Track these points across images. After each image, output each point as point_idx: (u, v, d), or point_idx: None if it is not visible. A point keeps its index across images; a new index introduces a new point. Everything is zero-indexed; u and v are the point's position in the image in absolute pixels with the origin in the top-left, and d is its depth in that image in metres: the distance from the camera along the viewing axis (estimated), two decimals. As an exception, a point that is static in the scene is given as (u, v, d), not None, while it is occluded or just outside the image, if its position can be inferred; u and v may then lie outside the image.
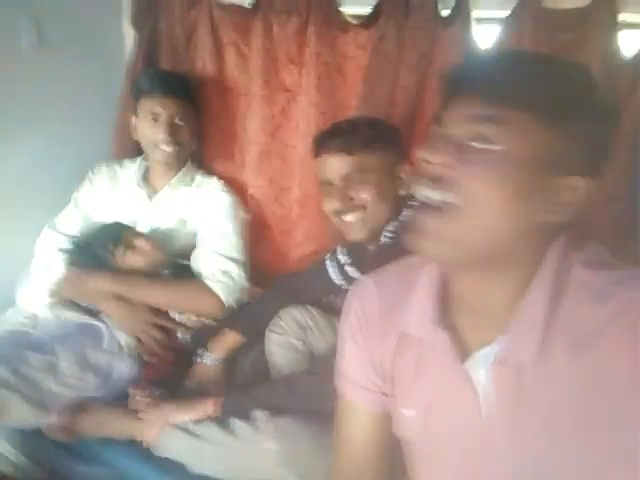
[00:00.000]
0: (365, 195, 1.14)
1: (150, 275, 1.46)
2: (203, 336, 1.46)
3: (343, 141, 1.15)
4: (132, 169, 1.60)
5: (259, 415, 1.07)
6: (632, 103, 1.15)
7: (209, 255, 1.47)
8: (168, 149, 1.47)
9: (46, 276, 1.44)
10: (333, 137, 1.17)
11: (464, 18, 1.25)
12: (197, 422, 1.15)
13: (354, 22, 1.40)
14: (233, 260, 1.47)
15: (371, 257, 1.22)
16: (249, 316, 1.46)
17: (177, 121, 1.47)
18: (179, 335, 1.49)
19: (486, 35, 1.28)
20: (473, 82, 0.59)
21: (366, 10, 1.37)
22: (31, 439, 1.29)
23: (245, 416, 1.09)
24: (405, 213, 1.13)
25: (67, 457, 1.26)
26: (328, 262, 1.40)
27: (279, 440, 1.02)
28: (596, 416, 0.57)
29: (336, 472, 0.82)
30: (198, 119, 1.58)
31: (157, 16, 1.68)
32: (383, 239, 1.13)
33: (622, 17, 1.12)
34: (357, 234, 1.18)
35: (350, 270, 1.35)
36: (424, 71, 1.32)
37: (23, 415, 1.18)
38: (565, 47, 1.18)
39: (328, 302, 1.50)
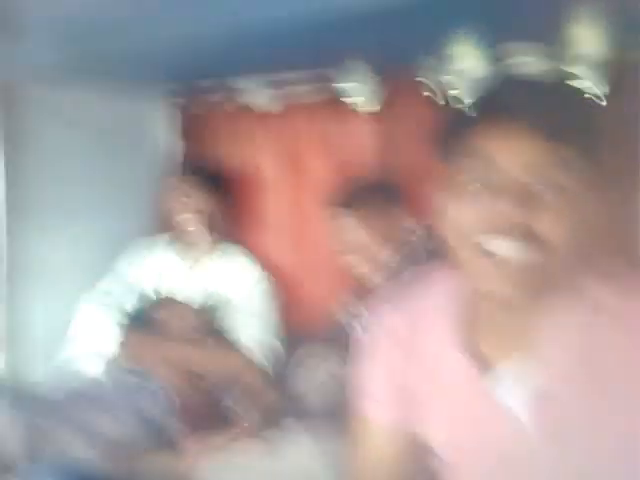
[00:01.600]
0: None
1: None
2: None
3: (352, 203, 1.39)
4: (172, 243, 1.80)
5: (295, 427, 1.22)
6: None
7: (254, 326, 1.63)
8: (194, 229, 1.71)
9: (101, 344, 1.63)
10: (343, 201, 1.41)
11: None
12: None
13: (364, 115, 1.69)
14: (270, 333, 1.64)
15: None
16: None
17: (202, 207, 1.72)
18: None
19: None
20: (524, 114, 0.56)
21: (375, 106, 1.66)
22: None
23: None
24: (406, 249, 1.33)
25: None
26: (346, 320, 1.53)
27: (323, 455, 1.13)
28: (621, 435, 0.58)
29: None
30: (223, 204, 1.80)
31: (202, 129, 2.05)
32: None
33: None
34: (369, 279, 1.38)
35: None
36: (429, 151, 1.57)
37: (81, 455, 1.30)
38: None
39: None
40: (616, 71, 1.31)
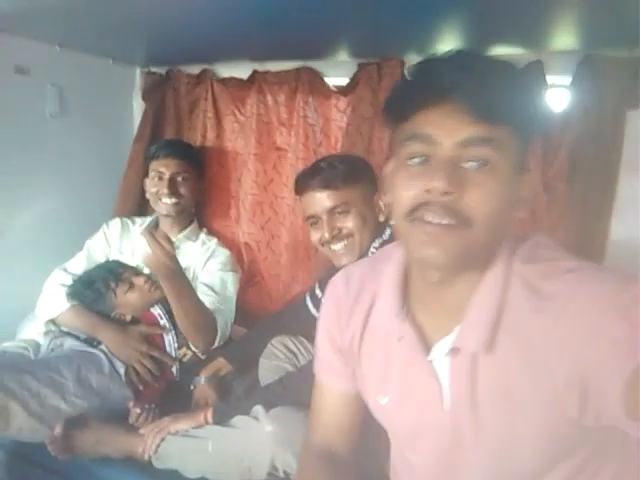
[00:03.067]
0: (350, 224, 1.24)
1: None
2: (194, 367, 1.55)
3: (324, 178, 1.25)
4: (143, 224, 1.77)
5: (256, 408, 1.15)
6: (562, 148, 1.40)
7: (208, 295, 1.59)
8: (169, 201, 1.67)
9: (47, 308, 1.55)
10: (315, 175, 1.27)
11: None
12: (196, 428, 1.21)
13: (335, 90, 1.68)
14: (225, 305, 1.60)
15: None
16: (237, 347, 1.58)
17: (178, 179, 1.68)
18: (174, 370, 1.56)
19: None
20: (462, 92, 0.59)
21: (345, 80, 1.65)
22: (21, 466, 1.31)
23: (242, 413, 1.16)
24: (388, 232, 1.26)
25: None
26: (308, 298, 1.55)
27: (275, 422, 1.10)
28: (543, 403, 0.61)
29: (307, 449, 0.88)
30: (199, 178, 1.78)
31: (165, 92, 1.96)
32: (369, 255, 1.25)
33: (551, 79, 1.40)
34: (347, 259, 1.25)
35: None
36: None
37: (24, 426, 1.23)
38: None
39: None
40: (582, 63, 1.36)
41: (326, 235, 1.26)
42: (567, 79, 1.39)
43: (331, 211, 1.25)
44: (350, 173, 1.27)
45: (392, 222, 0.69)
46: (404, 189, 0.64)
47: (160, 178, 1.67)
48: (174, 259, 1.33)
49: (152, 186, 1.69)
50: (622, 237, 1.38)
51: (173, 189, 1.66)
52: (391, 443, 0.84)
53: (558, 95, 1.44)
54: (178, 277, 1.38)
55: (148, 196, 1.73)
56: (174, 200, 1.67)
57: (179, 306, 1.42)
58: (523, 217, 0.67)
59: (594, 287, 0.59)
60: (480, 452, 0.67)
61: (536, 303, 0.61)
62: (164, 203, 1.67)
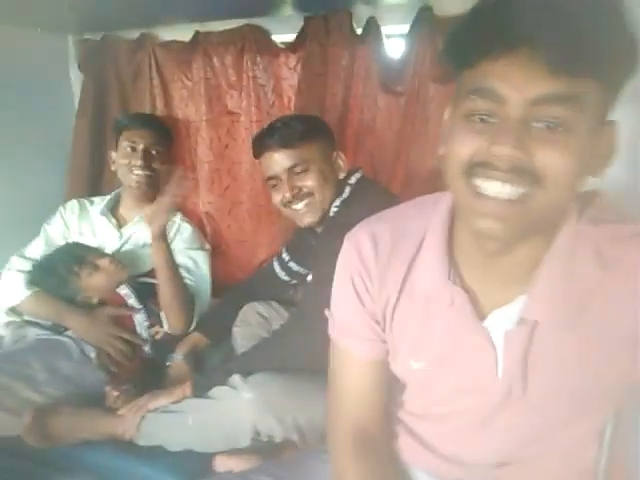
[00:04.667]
0: (310, 182, 1.24)
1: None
2: (168, 344, 1.54)
3: (281, 137, 1.24)
4: (101, 204, 1.71)
5: (234, 377, 1.15)
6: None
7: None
8: (141, 173, 1.61)
9: (7, 296, 1.49)
10: (271, 135, 1.26)
11: (376, 35, 1.49)
12: (175, 403, 1.21)
13: (283, 47, 1.62)
14: (198, 284, 1.58)
15: (322, 237, 1.35)
16: (210, 319, 1.57)
17: (152, 151, 1.63)
18: (145, 349, 1.55)
19: (396, 48, 1.53)
20: (538, 40, 0.50)
21: (292, 36, 1.59)
22: (4, 461, 1.29)
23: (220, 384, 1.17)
24: (347, 190, 1.25)
25: (44, 471, 1.27)
26: (275, 262, 1.56)
27: (254, 389, 1.11)
28: (597, 367, 0.61)
29: (336, 420, 0.79)
30: (169, 151, 1.72)
31: (104, 60, 1.85)
32: (331, 214, 1.25)
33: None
34: (309, 219, 1.26)
35: (293, 265, 1.53)
36: (347, 81, 1.54)
37: (0, 422, 1.20)
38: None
39: (288, 297, 1.62)
40: None
41: (287, 195, 1.25)
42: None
43: (290, 170, 1.24)
44: (306, 131, 1.26)
45: (446, 176, 0.61)
46: (463, 144, 0.56)
47: (133, 149, 1.61)
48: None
49: (122, 157, 1.62)
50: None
51: (146, 161, 1.61)
52: (406, 399, 0.80)
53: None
54: (168, 244, 1.45)
55: (115, 168, 1.66)
56: (147, 172, 1.62)
57: (166, 276, 1.47)
58: (598, 178, 0.58)
59: None
60: (523, 413, 0.67)
61: (601, 270, 0.59)
62: (136, 174, 1.61)
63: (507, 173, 0.53)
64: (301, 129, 1.26)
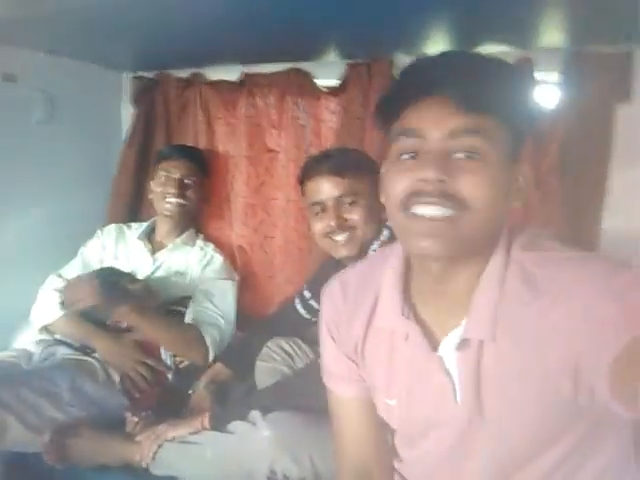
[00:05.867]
0: (356, 216, 1.21)
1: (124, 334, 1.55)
2: (191, 373, 1.54)
3: (335, 165, 1.21)
4: (139, 229, 1.77)
5: (253, 413, 1.14)
6: (553, 144, 1.41)
7: (206, 307, 1.60)
8: (174, 201, 1.67)
9: (42, 314, 1.54)
10: (325, 161, 1.24)
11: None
12: (193, 434, 1.20)
13: (326, 91, 1.67)
14: (224, 316, 1.60)
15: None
16: (233, 351, 1.58)
17: (186, 181, 1.70)
18: (169, 376, 1.56)
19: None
20: (447, 86, 0.62)
21: (334, 81, 1.64)
22: (19, 477, 1.30)
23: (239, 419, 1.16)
24: (386, 233, 1.23)
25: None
26: (296, 300, 1.56)
27: (273, 427, 1.09)
28: (539, 387, 0.62)
29: (339, 459, 0.85)
30: (203, 181, 1.78)
31: (154, 96, 1.95)
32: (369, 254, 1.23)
33: (540, 76, 1.41)
34: (348, 252, 1.22)
35: (313, 303, 1.51)
36: (386, 125, 1.58)
37: (19, 437, 1.21)
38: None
39: (311, 335, 1.61)
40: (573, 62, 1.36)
41: (332, 224, 1.21)
42: (556, 76, 1.40)
43: (338, 199, 1.22)
44: (360, 163, 1.26)
45: (389, 219, 0.70)
46: (396, 182, 0.65)
47: (168, 178, 1.68)
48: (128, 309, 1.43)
49: (158, 186, 1.70)
50: (614, 230, 1.39)
51: (180, 190, 1.68)
52: (395, 440, 0.83)
53: (548, 92, 1.44)
54: (144, 319, 1.48)
55: (151, 196, 1.73)
56: (180, 201, 1.68)
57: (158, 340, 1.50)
58: (518, 207, 0.68)
59: (587, 272, 0.60)
60: (486, 439, 0.68)
61: (531, 291, 0.62)
62: (169, 202, 1.68)
63: (435, 197, 0.61)
64: (355, 160, 1.26)
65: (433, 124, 0.62)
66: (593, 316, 0.56)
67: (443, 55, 0.65)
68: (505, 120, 0.62)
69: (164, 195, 1.68)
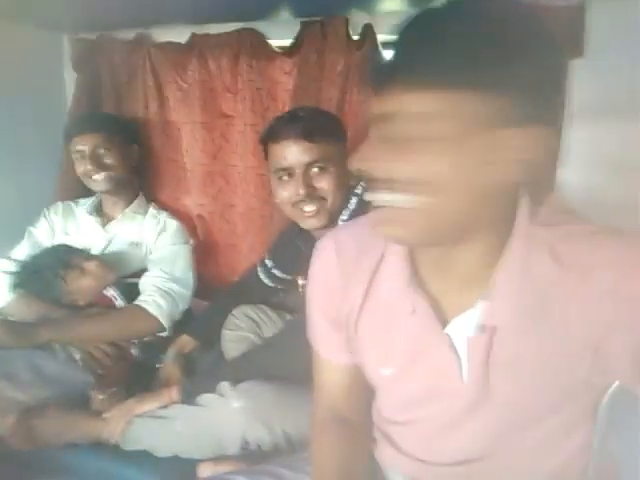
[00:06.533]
0: (326, 185, 1.14)
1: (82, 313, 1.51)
2: (156, 346, 1.53)
3: (305, 128, 1.11)
4: (87, 204, 1.70)
5: (223, 384, 1.14)
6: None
7: (154, 275, 1.56)
8: (99, 177, 1.59)
9: None
10: (294, 123, 1.13)
11: (372, 41, 1.49)
12: (162, 407, 1.19)
13: (279, 52, 1.62)
14: (175, 280, 1.56)
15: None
16: (199, 322, 1.57)
17: (100, 151, 1.59)
18: (133, 351, 1.53)
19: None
20: (404, 67, 0.55)
21: (289, 41, 1.59)
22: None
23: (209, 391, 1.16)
24: (354, 201, 1.18)
25: (27, 474, 1.24)
26: (259, 269, 1.54)
27: (243, 398, 1.09)
28: (557, 368, 0.61)
29: (316, 422, 0.84)
30: (126, 145, 1.67)
31: (98, 60, 1.84)
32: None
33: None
34: (316, 223, 1.16)
35: (276, 272, 1.51)
36: (342, 85, 1.54)
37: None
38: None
39: (278, 301, 1.61)
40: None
41: (300, 192, 1.13)
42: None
43: (308, 166, 1.13)
44: (331, 126, 1.18)
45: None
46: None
47: (82, 157, 1.58)
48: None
49: (78, 167, 1.60)
50: (568, 186, 1.42)
51: (97, 163, 1.58)
52: (384, 404, 0.82)
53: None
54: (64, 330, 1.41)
55: (81, 178, 1.64)
56: (103, 174, 1.59)
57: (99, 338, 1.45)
58: (527, 179, 0.58)
59: (616, 250, 0.58)
60: (488, 415, 0.67)
61: (559, 270, 0.59)
62: (94, 180, 1.60)
63: (393, 184, 0.56)
64: (326, 123, 1.17)
65: (392, 109, 0.58)
66: (622, 296, 0.55)
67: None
68: (479, 84, 0.52)
69: (87, 174, 1.59)
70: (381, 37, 1.50)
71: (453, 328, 0.66)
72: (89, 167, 1.57)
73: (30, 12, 1.62)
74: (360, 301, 0.73)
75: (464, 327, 0.65)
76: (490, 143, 0.54)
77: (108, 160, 1.60)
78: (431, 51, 0.52)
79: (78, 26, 1.83)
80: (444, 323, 0.67)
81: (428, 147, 0.54)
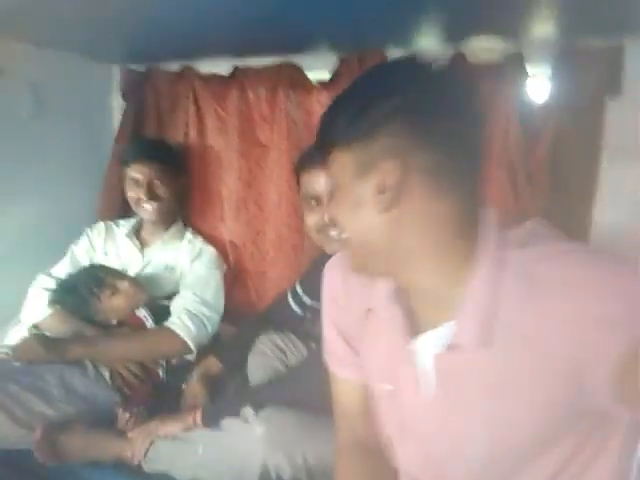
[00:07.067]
0: None
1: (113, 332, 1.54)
2: (183, 368, 1.54)
3: None
4: (127, 226, 1.76)
5: (246, 410, 1.14)
6: (543, 138, 1.40)
7: (185, 298, 1.59)
8: (149, 207, 1.65)
9: (31, 313, 1.53)
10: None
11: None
12: (185, 431, 1.20)
13: (317, 84, 1.66)
14: (206, 304, 1.59)
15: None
16: (226, 345, 1.58)
17: (155, 182, 1.65)
18: (160, 372, 1.55)
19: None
20: (325, 132, 0.66)
21: (326, 75, 1.63)
22: (8, 474, 1.29)
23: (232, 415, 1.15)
24: None
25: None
26: (289, 295, 1.55)
27: (265, 424, 1.08)
28: (538, 388, 0.60)
29: (338, 448, 0.85)
30: (177, 176, 1.75)
31: (144, 89, 1.93)
32: None
33: (531, 70, 1.41)
34: (341, 247, 1.24)
35: (306, 299, 1.51)
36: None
37: (9, 434, 1.21)
38: (487, 96, 1.44)
39: (305, 329, 1.61)
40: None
41: (326, 217, 1.18)
42: (546, 69, 1.40)
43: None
44: None
45: None
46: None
47: (137, 184, 1.64)
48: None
49: (130, 191, 1.67)
50: (604, 225, 1.39)
51: (151, 194, 1.64)
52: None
53: (538, 85, 1.44)
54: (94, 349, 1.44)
55: (129, 200, 1.70)
56: (154, 205, 1.65)
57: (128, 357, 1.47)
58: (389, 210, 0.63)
59: (585, 268, 0.58)
60: (470, 442, 0.66)
61: (530, 289, 0.59)
62: (145, 209, 1.66)
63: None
64: None
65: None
66: (596, 315, 0.54)
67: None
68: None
69: (137, 201, 1.65)
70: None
71: (421, 344, 0.68)
72: (142, 196, 1.63)
73: (85, 44, 1.73)
74: (361, 314, 0.78)
75: (432, 344, 0.67)
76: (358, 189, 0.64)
77: (161, 191, 1.66)
78: (336, 115, 0.64)
79: (128, 58, 1.93)
80: (417, 334, 0.69)
81: (334, 199, 0.68)
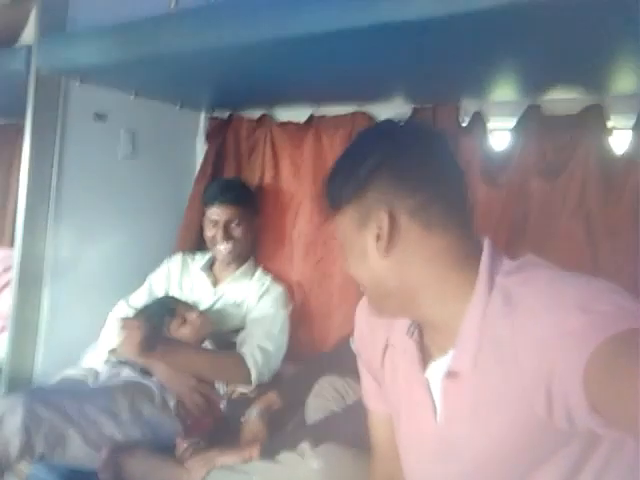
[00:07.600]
0: None
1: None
2: (243, 404, 1.56)
3: None
4: (201, 261, 1.86)
5: (303, 445, 1.13)
6: (626, 191, 1.34)
7: (253, 332, 1.64)
8: (224, 248, 1.74)
9: (109, 338, 1.63)
10: None
11: (480, 128, 1.53)
12: (242, 463, 1.20)
13: (390, 133, 1.71)
14: (272, 340, 1.62)
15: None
16: (287, 383, 1.60)
17: (232, 224, 1.75)
18: (222, 405, 1.58)
19: (500, 141, 1.56)
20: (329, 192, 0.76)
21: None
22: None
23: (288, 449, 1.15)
24: None
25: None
26: (351, 339, 1.54)
27: (322, 460, 1.08)
28: (517, 406, 0.62)
29: (371, 472, 0.92)
30: (252, 219, 1.84)
31: (226, 135, 2.07)
32: None
33: (611, 121, 1.37)
34: None
35: None
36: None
37: (79, 453, 1.27)
38: (564, 147, 1.42)
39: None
40: None
41: None
42: (629, 121, 1.36)
43: None
44: None
45: None
46: None
47: (215, 224, 1.74)
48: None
49: (208, 230, 1.77)
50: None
51: (227, 235, 1.73)
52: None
53: (621, 137, 1.40)
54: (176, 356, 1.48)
55: (205, 238, 1.80)
56: (229, 245, 1.74)
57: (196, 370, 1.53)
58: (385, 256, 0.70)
59: (557, 287, 0.61)
60: (465, 462, 0.69)
61: (507, 311, 0.62)
62: (219, 249, 1.75)
63: None
64: None
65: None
66: (564, 329, 0.56)
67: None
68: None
69: (213, 241, 1.74)
70: (490, 125, 1.54)
71: (430, 371, 0.73)
72: (219, 237, 1.73)
73: (176, 94, 1.92)
74: (382, 350, 0.82)
75: (439, 371, 0.70)
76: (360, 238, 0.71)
77: (236, 232, 1.75)
78: (333, 182, 0.74)
79: (213, 105, 2.09)
80: (428, 364, 0.74)
81: (345, 253, 0.75)
